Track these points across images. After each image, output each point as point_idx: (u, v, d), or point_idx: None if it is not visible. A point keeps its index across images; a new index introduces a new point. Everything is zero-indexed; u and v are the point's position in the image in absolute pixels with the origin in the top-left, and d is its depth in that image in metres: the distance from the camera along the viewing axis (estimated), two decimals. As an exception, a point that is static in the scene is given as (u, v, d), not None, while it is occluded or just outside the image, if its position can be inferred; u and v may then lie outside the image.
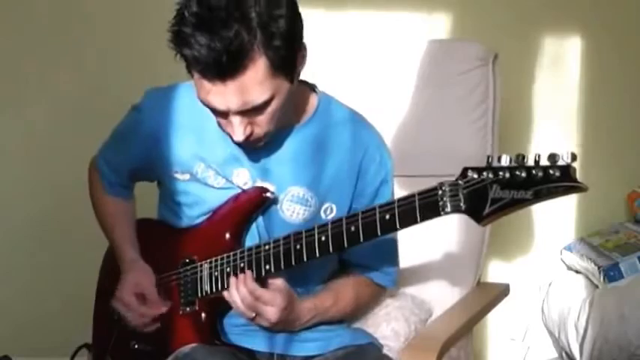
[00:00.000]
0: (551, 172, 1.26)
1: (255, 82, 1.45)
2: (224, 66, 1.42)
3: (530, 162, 1.28)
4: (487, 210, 1.32)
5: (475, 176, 1.34)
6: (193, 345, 1.61)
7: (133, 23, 2.83)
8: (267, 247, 1.57)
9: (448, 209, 1.37)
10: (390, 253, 1.77)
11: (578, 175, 1.26)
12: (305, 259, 1.53)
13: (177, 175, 1.69)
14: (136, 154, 1.76)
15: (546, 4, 2.72)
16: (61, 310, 2.81)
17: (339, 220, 1.50)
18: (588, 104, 2.77)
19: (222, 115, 1.52)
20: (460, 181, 1.35)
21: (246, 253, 1.59)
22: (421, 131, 2.15)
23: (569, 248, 2.73)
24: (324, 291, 1.71)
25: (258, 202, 1.65)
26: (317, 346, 1.69)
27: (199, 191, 1.68)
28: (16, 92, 2.92)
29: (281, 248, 1.55)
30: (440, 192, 1.38)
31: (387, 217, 1.44)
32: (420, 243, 1.98)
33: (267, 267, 1.56)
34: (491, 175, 1.32)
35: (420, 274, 2.04)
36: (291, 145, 1.66)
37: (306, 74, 1.60)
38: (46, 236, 2.88)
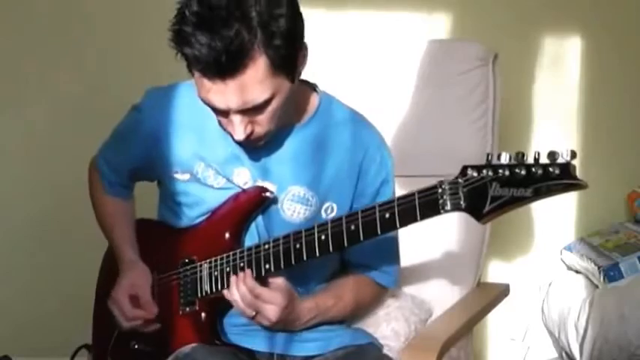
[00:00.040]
0: (550, 169, 1.26)
1: (255, 81, 1.45)
2: (224, 65, 1.42)
3: (530, 160, 1.29)
4: (487, 208, 1.32)
5: (475, 174, 1.34)
6: (193, 345, 1.61)
7: (133, 23, 2.83)
8: (266, 246, 1.56)
9: (448, 207, 1.37)
10: (391, 253, 1.77)
11: (578, 175, 1.26)
12: (305, 258, 1.53)
13: (178, 176, 1.69)
14: (136, 153, 1.76)
15: (546, 4, 2.72)
16: (61, 311, 2.81)
17: (338, 219, 1.50)
18: (588, 104, 2.77)
19: (222, 114, 1.52)
20: (460, 179, 1.35)
21: (245, 253, 1.59)
22: (421, 131, 2.15)
23: (569, 248, 2.73)
24: (324, 291, 1.71)
25: (258, 202, 1.65)
26: (317, 346, 1.68)
27: (199, 192, 1.68)
28: (16, 92, 2.92)
29: (281, 247, 1.55)
30: (440, 190, 1.38)
31: (387, 215, 1.44)
32: (419, 243, 1.98)
33: (267, 266, 1.56)
34: (490, 173, 1.32)
35: (420, 273, 2.04)
36: (291, 145, 1.66)
37: (306, 74, 1.59)
38: (46, 236, 2.87)
